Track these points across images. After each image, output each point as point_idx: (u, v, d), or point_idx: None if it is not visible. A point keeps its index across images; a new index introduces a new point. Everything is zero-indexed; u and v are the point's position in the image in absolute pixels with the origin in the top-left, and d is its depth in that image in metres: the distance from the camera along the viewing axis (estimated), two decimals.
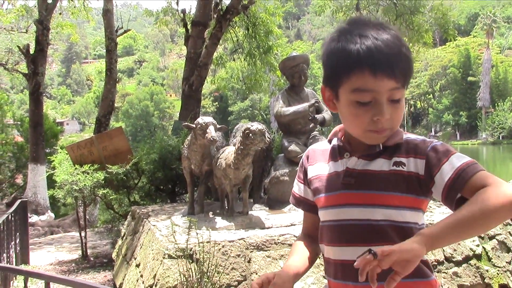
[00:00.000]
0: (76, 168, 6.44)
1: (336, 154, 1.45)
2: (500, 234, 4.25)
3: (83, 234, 7.16)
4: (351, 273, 1.28)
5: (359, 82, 1.25)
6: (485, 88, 64.35)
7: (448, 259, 3.90)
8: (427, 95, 74.98)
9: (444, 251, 3.93)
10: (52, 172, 7.16)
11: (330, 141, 1.50)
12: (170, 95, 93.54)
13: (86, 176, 6.24)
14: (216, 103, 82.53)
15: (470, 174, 1.20)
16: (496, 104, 60.85)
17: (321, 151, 1.52)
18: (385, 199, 1.32)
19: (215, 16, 9.87)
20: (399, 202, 1.31)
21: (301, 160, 1.59)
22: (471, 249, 3.97)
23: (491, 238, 4.22)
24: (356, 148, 1.40)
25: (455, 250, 3.94)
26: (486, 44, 68.90)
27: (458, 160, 1.24)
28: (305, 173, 1.55)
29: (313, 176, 1.50)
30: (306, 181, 1.54)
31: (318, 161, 1.50)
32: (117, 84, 12.18)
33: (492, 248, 4.13)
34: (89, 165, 6.39)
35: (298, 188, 1.59)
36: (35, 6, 14.04)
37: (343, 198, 1.37)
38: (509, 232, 4.35)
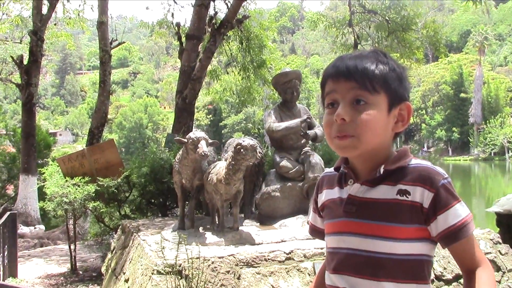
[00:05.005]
0: (66, 181, 6.40)
1: (342, 180, 1.43)
2: (490, 253, 4.26)
3: (72, 247, 7.08)
4: None
5: (327, 88, 1.36)
6: (477, 104, 64.89)
7: (438, 278, 3.89)
8: (420, 111, 75.47)
9: (434, 269, 3.93)
10: (42, 184, 7.10)
11: (337, 168, 1.47)
12: (164, 107, 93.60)
13: (76, 189, 6.20)
14: (210, 116, 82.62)
15: (469, 231, 1.28)
16: (487, 120, 61.31)
17: (329, 177, 1.51)
18: (387, 231, 1.27)
19: (210, 30, 9.95)
20: (402, 234, 1.27)
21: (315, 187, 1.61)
22: None
23: None
24: (360, 174, 1.37)
25: (445, 268, 3.94)
26: (478, 61, 69.60)
27: (462, 209, 1.28)
28: (315, 201, 1.57)
29: (322, 203, 1.50)
30: (317, 209, 1.56)
31: (326, 188, 1.50)
32: (110, 95, 12.17)
33: None
34: (80, 178, 6.36)
35: (312, 216, 1.62)
36: (29, 17, 14.05)
37: (344, 226, 1.35)
38: (499, 251, 4.35)
